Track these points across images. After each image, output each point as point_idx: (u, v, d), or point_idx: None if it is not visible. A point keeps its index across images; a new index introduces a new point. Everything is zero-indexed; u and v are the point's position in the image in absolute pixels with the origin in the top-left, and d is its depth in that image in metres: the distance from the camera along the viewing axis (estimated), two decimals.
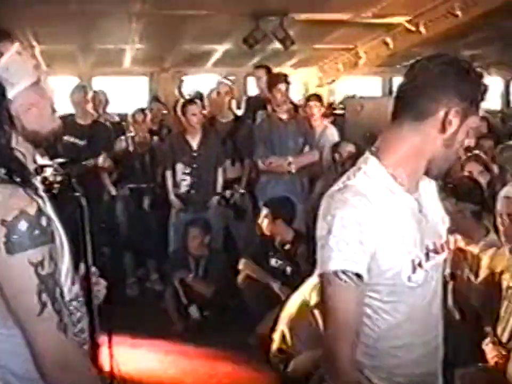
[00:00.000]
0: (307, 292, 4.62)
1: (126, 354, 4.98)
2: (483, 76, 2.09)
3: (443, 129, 2.04)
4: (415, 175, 2.13)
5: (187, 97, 8.35)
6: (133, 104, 9.11)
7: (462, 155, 6.26)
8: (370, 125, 7.58)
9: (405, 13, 9.61)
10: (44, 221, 1.70)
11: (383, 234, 1.99)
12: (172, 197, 6.97)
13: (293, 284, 5.15)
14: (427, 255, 2.12)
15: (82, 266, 2.10)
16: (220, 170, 6.97)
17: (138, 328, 5.72)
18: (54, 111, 1.96)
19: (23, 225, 1.66)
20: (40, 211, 1.70)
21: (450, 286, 4.42)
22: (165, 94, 11.79)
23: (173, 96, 11.02)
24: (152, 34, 10.05)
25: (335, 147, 6.77)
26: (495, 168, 5.90)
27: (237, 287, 6.08)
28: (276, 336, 4.73)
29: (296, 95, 11.38)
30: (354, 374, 2.04)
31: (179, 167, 6.92)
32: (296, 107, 7.56)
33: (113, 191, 7.24)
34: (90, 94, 8.02)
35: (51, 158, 2.04)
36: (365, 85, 15.34)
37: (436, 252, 2.18)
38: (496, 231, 4.19)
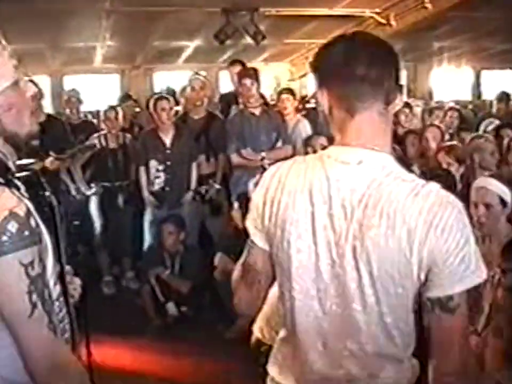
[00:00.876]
0: None
1: (103, 352, 4.98)
2: None
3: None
4: None
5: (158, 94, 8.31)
6: (105, 102, 9.08)
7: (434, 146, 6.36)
8: None
9: (376, 5, 9.66)
10: (32, 222, 1.69)
11: None
12: (146, 194, 6.95)
13: None
14: None
15: (56, 266, 2.09)
16: (193, 166, 6.95)
17: (116, 327, 5.71)
18: (32, 112, 1.94)
19: (13, 226, 1.65)
20: (28, 212, 1.70)
21: None
22: (136, 91, 11.75)
23: (145, 93, 11.00)
24: (123, 31, 10.01)
25: (308, 140, 6.78)
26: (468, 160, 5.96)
27: (213, 282, 6.07)
28: (255, 329, 4.74)
29: (268, 90, 11.41)
30: None
31: (152, 164, 6.90)
32: (266, 102, 7.56)
33: (85, 190, 7.16)
34: (64, 97, 8.05)
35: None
36: None
37: None
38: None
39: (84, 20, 8.97)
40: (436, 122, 7.55)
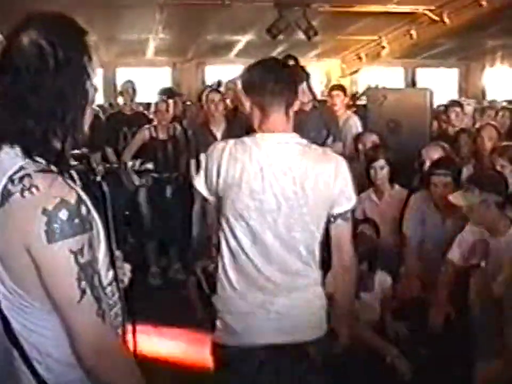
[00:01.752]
0: None
1: (148, 342, 5.03)
2: None
3: None
4: None
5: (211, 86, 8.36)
6: (156, 94, 9.15)
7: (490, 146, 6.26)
8: (392, 116, 7.54)
9: (429, 2, 9.56)
10: (83, 210, 1.71)
11: None
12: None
13: None
14: None
15: (108, 252, 2.11)
16: None
17: (161, 317, 5.75)
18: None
19: (63, 214, 1.67)
20: (79, 200, 1.72)
21: (472, 279, 4.43)
22: (187, 84, 11.83)
23: (196, 86, 11.05)
24: (176, 24, 10.10)
25: (358, 137, 6.75)
26: None
27: None
28: None
29: (320, 86, 11.38)
30: None
31: (203, 157, 6.91)
32: (316, 98, 7.52)
33: (137, 181, 7.26)
34: (120, 88, 8.33)
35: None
36: (388, 76, 15.29)
37: None
38: None
39: (138, 13, 9.07)
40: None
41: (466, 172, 5.58)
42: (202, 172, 3.09)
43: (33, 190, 1.67)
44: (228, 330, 3.05)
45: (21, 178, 1.68)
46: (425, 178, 5.53)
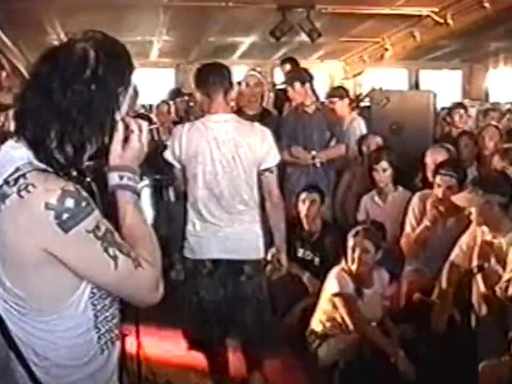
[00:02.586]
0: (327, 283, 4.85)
1: (153, 345, 5.05)
2: None
3: None
4: None
5: None
6: (159, 96, 9.16)
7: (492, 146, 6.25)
8: (395, 118, 7.54)
9: (433, 4, 9.55)
10: (84, 193, 1.72)
11: None
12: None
13: (321, 274, 5.21)
14: None
15: None
16: None
17: (163, 318, 5.75)
18: None
19: (69, 202, 1.67)
20: (77, 187, 1.73)
21: (477, 279, 4.42)
22: (191, 86, 11.83)
23: None
24: (179, 26, 10.11)
25: (362, 139, 6.74)
26: None
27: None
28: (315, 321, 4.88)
29: (323, 87, 11.38)
30: None
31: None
32: (319, 100, 7.50)
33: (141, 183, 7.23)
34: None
35: None
36: (391, 78, 15.28)
37: None
38: None
39: (141, 14, 9.08)
40: None
41: (469, 174, 5.57)
42: (169, 148, 4.42)
43: (30, 188, 1.67)
44: (189, 248, 4.39)
45: (16, 180, 1.68)
46: (429, 179, 5.54)
